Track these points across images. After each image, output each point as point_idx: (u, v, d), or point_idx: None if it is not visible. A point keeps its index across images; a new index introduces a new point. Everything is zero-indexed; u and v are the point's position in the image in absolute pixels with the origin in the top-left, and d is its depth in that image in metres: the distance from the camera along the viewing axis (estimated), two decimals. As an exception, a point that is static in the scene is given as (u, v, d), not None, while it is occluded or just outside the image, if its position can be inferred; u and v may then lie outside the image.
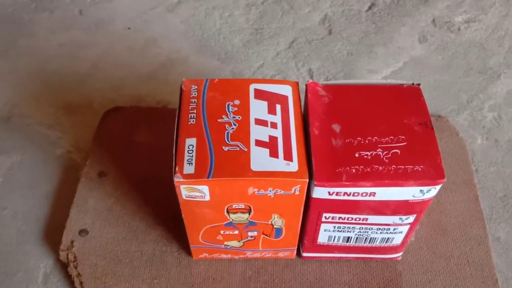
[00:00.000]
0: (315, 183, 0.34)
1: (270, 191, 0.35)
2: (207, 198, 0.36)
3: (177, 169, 0.34)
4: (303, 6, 0.67)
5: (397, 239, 0.41)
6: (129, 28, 0.65)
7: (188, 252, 0.45)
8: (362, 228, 0.39)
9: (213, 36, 0.64)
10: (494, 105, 0.57)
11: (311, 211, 0.37)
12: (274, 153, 0.35)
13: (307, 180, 0.34)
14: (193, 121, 0.37)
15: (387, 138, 0.36)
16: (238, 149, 0.35)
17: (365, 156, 0.35)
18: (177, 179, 0.34)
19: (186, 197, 0.36)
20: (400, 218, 0.38)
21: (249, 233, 0.41)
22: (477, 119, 0.56)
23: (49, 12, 0.67)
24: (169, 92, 0.58)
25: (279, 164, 0.35)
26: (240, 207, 0.37)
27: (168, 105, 0.57)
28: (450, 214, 0.48)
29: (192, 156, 0.35)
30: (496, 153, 0.53)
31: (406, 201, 0.36)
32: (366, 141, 0.36)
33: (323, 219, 0.38)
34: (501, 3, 0.67)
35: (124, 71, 0.60)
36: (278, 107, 0.38)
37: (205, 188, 0.35)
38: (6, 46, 0.63)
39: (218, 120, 0.37)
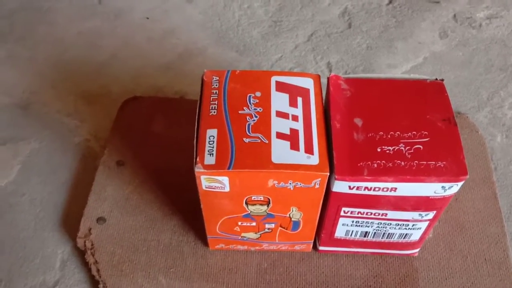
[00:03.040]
0: (335, 177, 0.34)
1: (290, 183, 0.35)
2: (227, 189, 0.36)
3: (198, 159, 0.34)
4: (322, -1, 0.67)
5: (415, 235, 0.41)
6: (147, 18, 0.65)
7: (205, 243, 0.45)
8: (381, 223, 0.39)
9: (232, 27, 0.64)
10: (514, 102, 0.56)
11: (330, 205, 0.37)
12: (295, 146, 0.35)
13: (328, 174, 0.34)
14: (214, 112, 0.37)
15: (409, 133, 0.35)
16: (259, 141, 0.35)
17: (387, 151, 0.35)
18: (198, 169, 0.34)
19: (206, 187, 0.36)
20: (419, 214, 0.38)
21: (267, 225, 0.41)
22: (497, 117, 0.55)
23: (69, 0, 0.67)
24: (187, 83, 0.58)
25: (300, 157, 0.35)
26: (259, 199, 0.37)
27: (185, 96, 0.57)
28: (468, 211, 0.47)
29: (213, 147, 0.35)
30: (516, 151, 0.52)
31: (427, 197, 0.35)
32: (389, 136, 0.35)
33: (342, 213, 0.38)
34: (524, 0, 0.67)
35: (143, 61, 0.61)
36: (299, 99, 0.38)
37: (225, 179, 0.35)
38: (25, 33, 0.63)
39: (239, 112, 0.37)
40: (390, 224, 0.39)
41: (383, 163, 0.34)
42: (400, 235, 0.41)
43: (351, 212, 0.38)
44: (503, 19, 0.64)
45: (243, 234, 0.42)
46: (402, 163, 0.34)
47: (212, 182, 0.35)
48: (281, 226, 0.41)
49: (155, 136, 0.52)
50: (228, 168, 0.34)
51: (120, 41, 0.63)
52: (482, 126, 0.54)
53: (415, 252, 0.44)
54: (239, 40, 0.62)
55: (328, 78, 0.39)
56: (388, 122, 0.36)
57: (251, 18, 0.65)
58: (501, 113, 0.55)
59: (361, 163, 0.34)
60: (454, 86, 0.58)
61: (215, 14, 0.65)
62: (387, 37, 0.62)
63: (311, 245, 0.44)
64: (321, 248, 0.44)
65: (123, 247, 0.45)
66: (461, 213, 0.47)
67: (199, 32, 0.63)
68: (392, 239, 0.41)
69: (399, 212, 0.37)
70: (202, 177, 0.35)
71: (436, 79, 0.39)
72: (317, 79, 0.39)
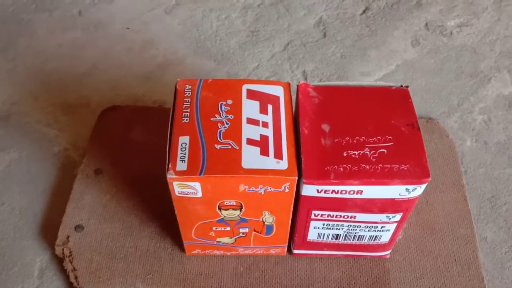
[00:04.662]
0: (304, 181, 0.35)
1: (260, 188, 0.36)
2: (199, 194, 0.37)
3: (170, 166, 0.35)
4: (298, 9, 0.68)
5: (385, 237, 0.42)
6: (128, 28, 0.66)
7: (182, 248, 0.46)
8: (351, 225, 0.40)
9: (210, 37, 0.65)
10: (484, 108, 0.58)
11: (300, 208, 0.39)
12: (264, 152, 0.36)
13: (296, 178, 0.35)
14: (186, 119, 0.38)
15: (374, 138, 0.37)
16: (230, 147, 0.36)
17: (353, 155, 0.36)
18: (170, 175, 0.35)
19: (179, 193, 0.37)
20: (387, 216, 0.39)
21: (241, 230, 0.42)
22: (467, 122, 0.57)
23: (49, 12, 0.68)
24: (166, 92, 0.59)
25: (270, 162, 0.36)
26: (231, 203, 0.38)
27: (164, 105, 0.58)
28: (439, 214, 0.49)
29: (185, 154, 0.36)
30: (485, 155, 0.54)
31: (393, 200, 0.37)
32: (354, 141, 0.37)
33: (313, 216, 0.39)
34: (493, 8, 0.69)
35: (122, 71, 0.61)
36: (269, 107, 0.39)
37: (197, 185, 0.36)
38: (6, 45, 0.64)
39: (211, 119, 0.38)
40: (360, 226, 0.40)
41: (349, 167, 0.35)
42: (370, 237, 0.42)
43: (321, 215, 0.39)
44: (473, 27, 0.66)
45: (218, 239, 0.43)
46: (367, 167, 0.35)
47: (185, 188, 0.36)
48: (255, 231, 0.42)
49: (133, 144, 0.53)
50: (200, 174, 0.35)
51: (100, 52, 0.64)
52: (453, 131, 0.56)
53: (387, 254, 0.45)
54: (217, 50, 0.64)
55: (297, 86, 0.40)
56: (354, 128, 0.37)
57: (229, 28, 0.66)
58: (470, 118, 0.57)
59: (328, 167, 0.35)
60: (426, 92, 0.59)
61: (194, 24, 0.67)
62: (361, 46, 0.64)
63: (286, 249, 0.45)
64: (295, 251, 0.45)
65: (101, 254, 0.46)
66: (431, 215, 0.49)
67: (178, 42, 0.65)
68: (363, 241, 0.43)
69: (367, 214, 0.39)
70: (175, 183, 0.36)
71: (401, 85, 0.40)
72: (287, 87, 0.40)
